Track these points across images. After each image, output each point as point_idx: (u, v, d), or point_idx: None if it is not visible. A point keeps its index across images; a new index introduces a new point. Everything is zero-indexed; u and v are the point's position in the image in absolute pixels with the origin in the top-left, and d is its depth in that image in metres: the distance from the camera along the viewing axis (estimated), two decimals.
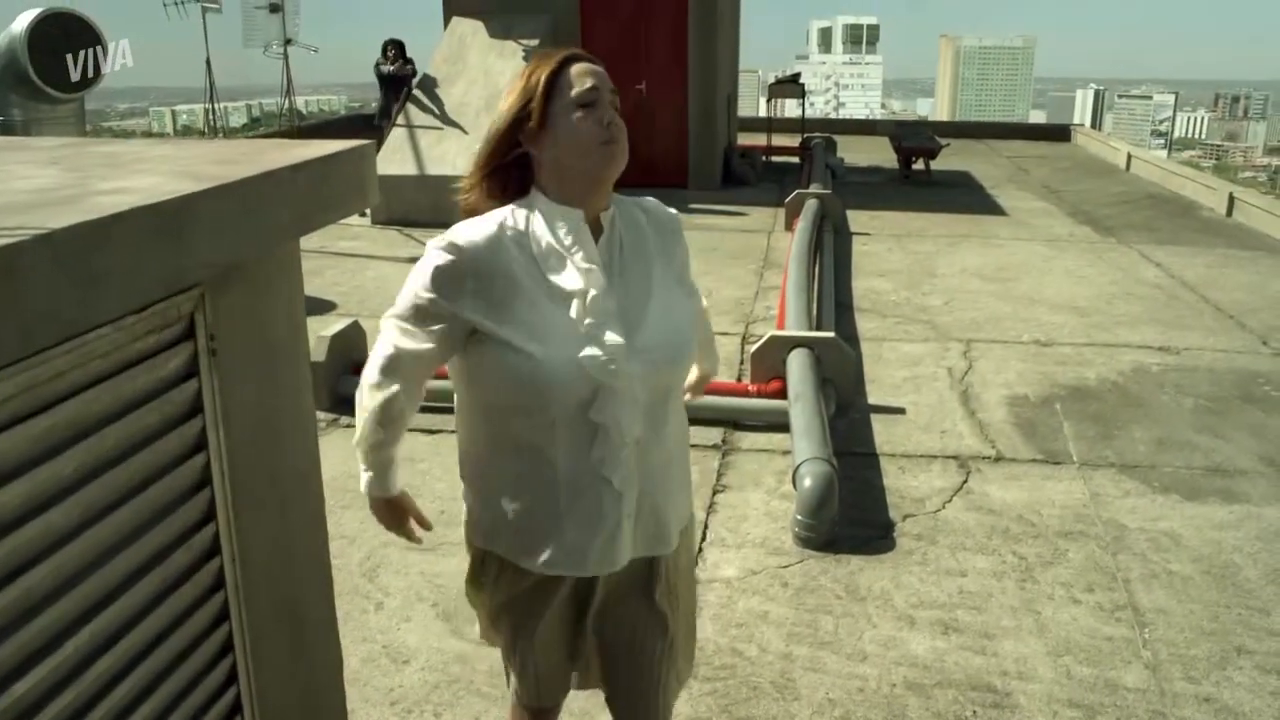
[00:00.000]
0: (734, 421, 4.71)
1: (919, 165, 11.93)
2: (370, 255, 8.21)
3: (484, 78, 10.23)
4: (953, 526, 3.79)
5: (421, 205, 9.33)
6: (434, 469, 4.35)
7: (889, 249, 8.36)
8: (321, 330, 5.06)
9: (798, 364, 4.74)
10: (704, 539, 3.74)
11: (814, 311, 6.01)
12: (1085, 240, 8.75)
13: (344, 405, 4.89)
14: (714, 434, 4.63)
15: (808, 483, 3.69)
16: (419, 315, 1.62)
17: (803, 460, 3.80)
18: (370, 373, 1.69)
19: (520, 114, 1.65)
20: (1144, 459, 4.39)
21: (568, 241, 1.63)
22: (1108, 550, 3.62)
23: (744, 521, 3.86)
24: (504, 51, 10.50)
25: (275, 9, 10.80)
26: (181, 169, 1.54)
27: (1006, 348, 5.86)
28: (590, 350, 1.57)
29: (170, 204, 1.28)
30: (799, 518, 3.67)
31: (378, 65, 10.27)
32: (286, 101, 11.26)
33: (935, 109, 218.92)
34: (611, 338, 1.59)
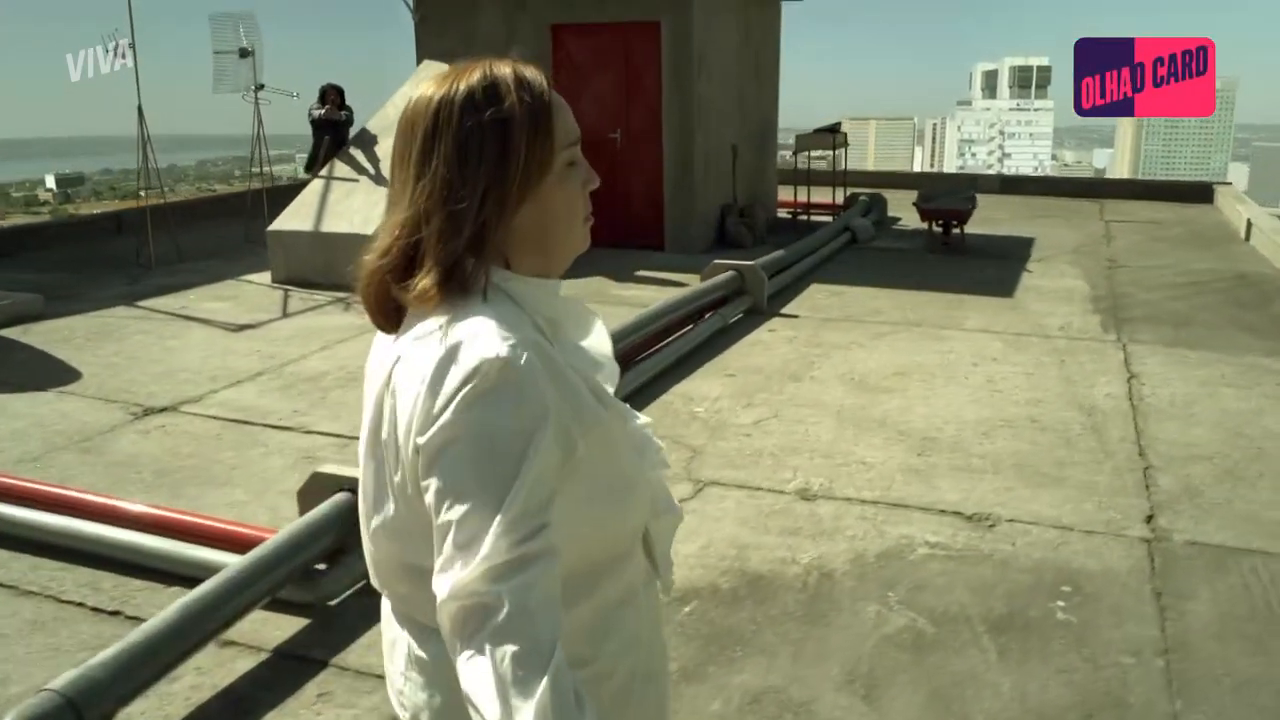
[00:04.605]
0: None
1: (956, 230, 9.95)
2: (206, 320, 7.41)
3: None
4: None
5: (316, 264, 8.49)
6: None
7: (789, 339, 6.67)
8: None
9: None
10: None
11: None
12: (1070, 337, 6.67)
13: None
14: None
15: None
16: (536, 484, 1.06)
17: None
18: (520, 646, 1.01)
19: (542, 159, 1.16)
20: None
21: (585, 324, 1.29)
22: None
23: None
24: None
25: (245, 54, 10.39)
26: None
27: (748, 496, 4.20)
28: (650, 451, 1.32)
29: None
30: None
31: (310, 110, 9.62)
32: (256, 153, 10.82)
33: (1114, 161, 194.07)
34: (644, 425, 1.33)
